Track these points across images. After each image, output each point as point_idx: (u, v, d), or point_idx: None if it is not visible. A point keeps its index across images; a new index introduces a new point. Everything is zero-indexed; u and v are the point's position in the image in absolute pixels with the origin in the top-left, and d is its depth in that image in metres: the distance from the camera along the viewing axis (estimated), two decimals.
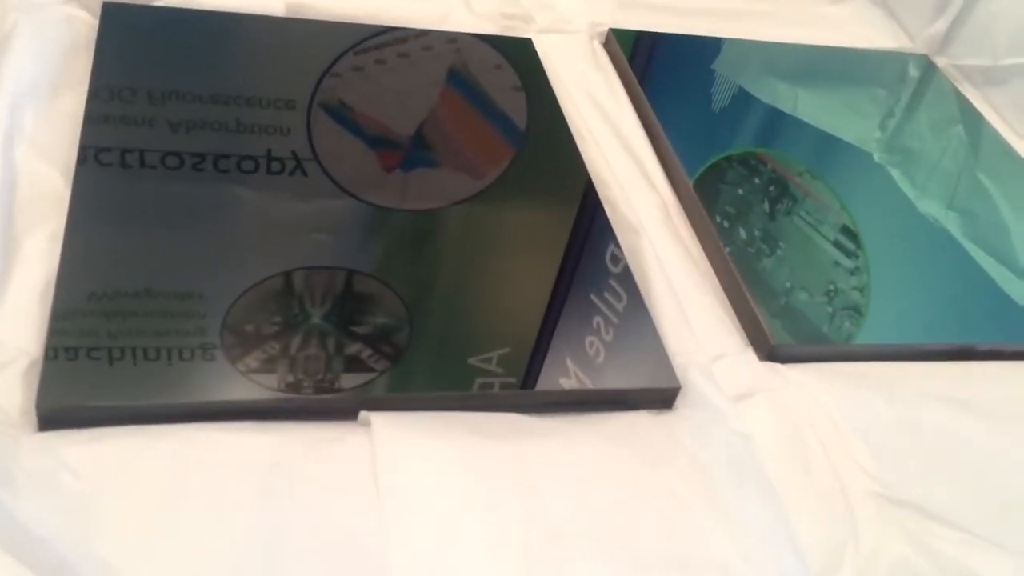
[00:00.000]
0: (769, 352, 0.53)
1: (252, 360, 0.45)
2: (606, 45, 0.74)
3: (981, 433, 0.52)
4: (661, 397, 0.49)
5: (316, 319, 0.48)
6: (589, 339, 0.51)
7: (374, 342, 0.47)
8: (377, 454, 0.43)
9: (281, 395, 0.44)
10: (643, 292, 0.54)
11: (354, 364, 0.46)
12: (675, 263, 0.57)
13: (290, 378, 0.45)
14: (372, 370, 0.46)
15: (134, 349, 0.43)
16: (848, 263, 0.60)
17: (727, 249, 0.58)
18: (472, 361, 0.48)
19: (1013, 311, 0.60)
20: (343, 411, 0.45)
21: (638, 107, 0.68)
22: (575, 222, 0.58)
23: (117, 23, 0.59)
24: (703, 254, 0.59)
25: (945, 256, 0.63)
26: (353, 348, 0.47)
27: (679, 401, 0.50)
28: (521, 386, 0.47)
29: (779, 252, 0.59)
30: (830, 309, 0.57)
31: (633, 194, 0.61)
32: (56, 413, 0.41)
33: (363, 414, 0.44)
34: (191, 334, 0.45)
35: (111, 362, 0.42)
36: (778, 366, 0.53)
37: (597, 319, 0.52)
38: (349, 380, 0.45)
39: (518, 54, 0.68)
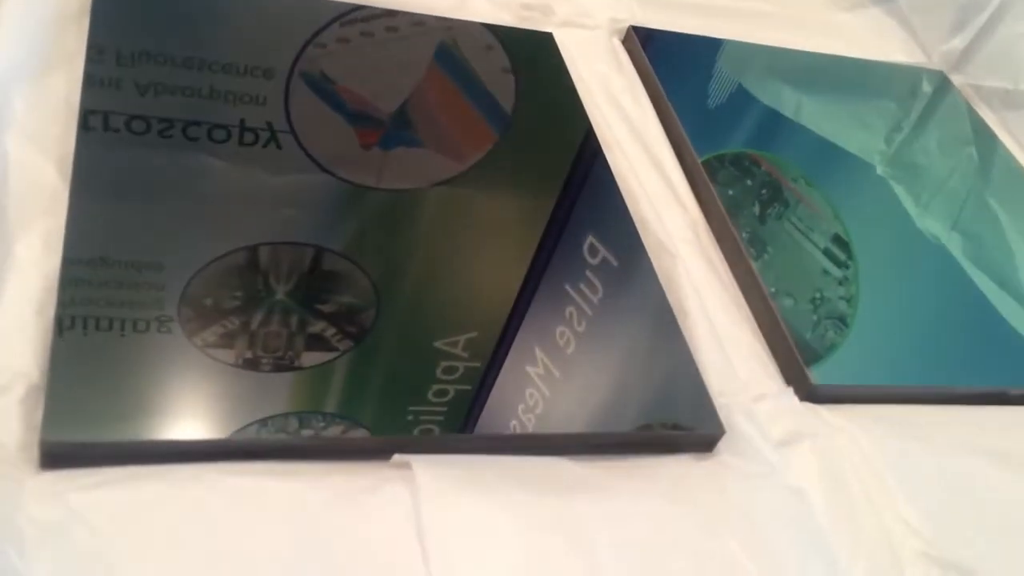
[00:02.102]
0: (809, 392, 0.53)
1: (209, 335, 0.44)
2: (626, 42, 0.73)
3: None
4: (704, 441, 0.49)
5: (280, 295, 0.47)
6: (560, 329, 0.50)
7: (338, 321, 0.47)
8: (422, 514, 0.41)
9: (308, 435, 0.42)
10: (680, 323, 0.53)
11: (317, 342, 0.46)
12: (710, 293, 0.57)
13: (248, 354, 0.44)
14: (335, 349, 0.46)
15: (85, 318, 0.43)
16: (837, 272, 0.60)
17: (767, 287, 0.57)
18: (438, 344, 0.47)
19: (1011, 337, 0.60)
20: (371, 451, 0.43)
21: (662, 115, 0.67)
22: (554, 210, 0.57)
23: None
24: (733, 279, 0.59)
25: (941, 276, 0.62)
26: (317, 326, 0.46)
27: (721, 444, 0.49)
28: (485, 371, 0.47)
29: (767, 256, 0.59)
30: (815, 317, 0.56)
31: (664, 212, 0.60)
32: (62, 449, 0.39)
33: (399, 457, 0.43)
34: (147, 305, 0.44)
35: (61, 332, 0.42)
36: (818, 408, 0.53)
37: (570, 309, 0.51)
38: (310, 358, 0.45)
39: (536, 50, 0.67)
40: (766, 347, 0.56)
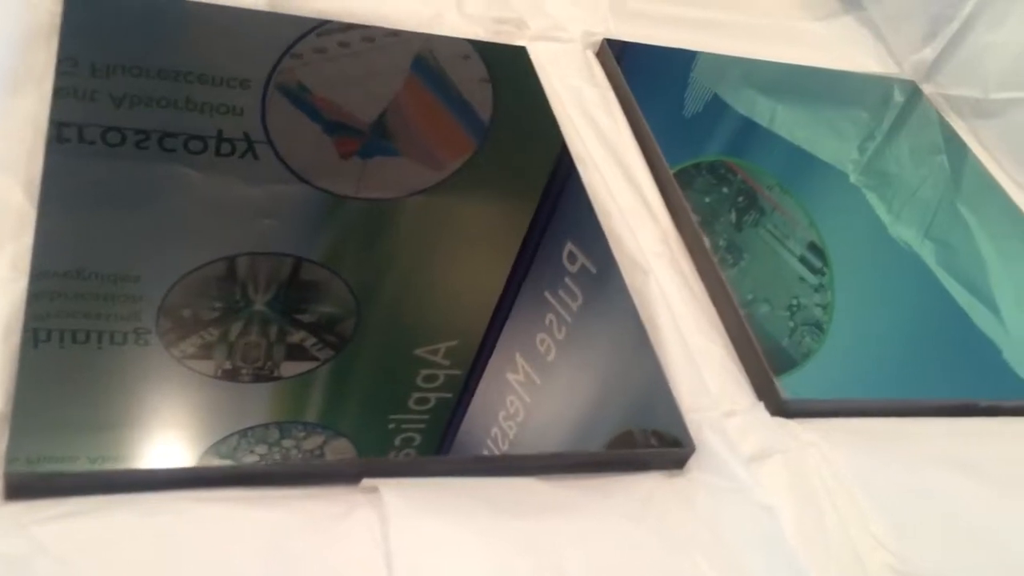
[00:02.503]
0: (779, 407, 0.53)
1: (188, 346, 0.44)
2: (599, 55, 0.73)
3: (992, 501, 0.52)
4: (675, 458, 0.49)
5: (259, 306, 0.47)
6: (540, 336, 0.50)
7: (318, 331, 0.47)
8: (390, 539, 0.41)
9: (275, 461, 0.42)
10: (652, 340, 0.53)
11: (296, 352, 0.46)
12: (683, 308, 0.57)
13: (227, 365, 0.44)
14: (315, 359, 0.46)
15: (62, 331, 0.42)
16: (813, 279, 0.60)
17: (736, 298, 0.57)
18: (419, 352, 0.47)
19: (982, 343, 0.60)
20: (341, 475, 0.43)
21: (635, 128, 0.67)
22: (532, 219, 0.57)
23: (82, 8, 0.58)
24: (705, 292, 0.59)
25: (914, 282, 0.63)
26: (296, 336, 0.46)
27: (692, 461, 0.49)
28: (466, 379, 0.47)
29: (743, 263, 0.59)
30: (791, 323, 0.57)
31: (637, 227, 0.60)
32: (26, 480, 0.38)
33: (367, 481, 0.42)
34: (125, 318, 0.44)
35: (36, 344, 0.41)
36: (788, 422, 0.53)
37: (550, 317, 0.52)
38: (290, 368, 0.45)
39: (511, 64, 0.67)
40: (738, 361, 0.56)
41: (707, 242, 0.59)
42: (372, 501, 0.42)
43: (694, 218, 0.61)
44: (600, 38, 0.74)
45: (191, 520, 0.39)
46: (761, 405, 0.53)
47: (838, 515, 0.49)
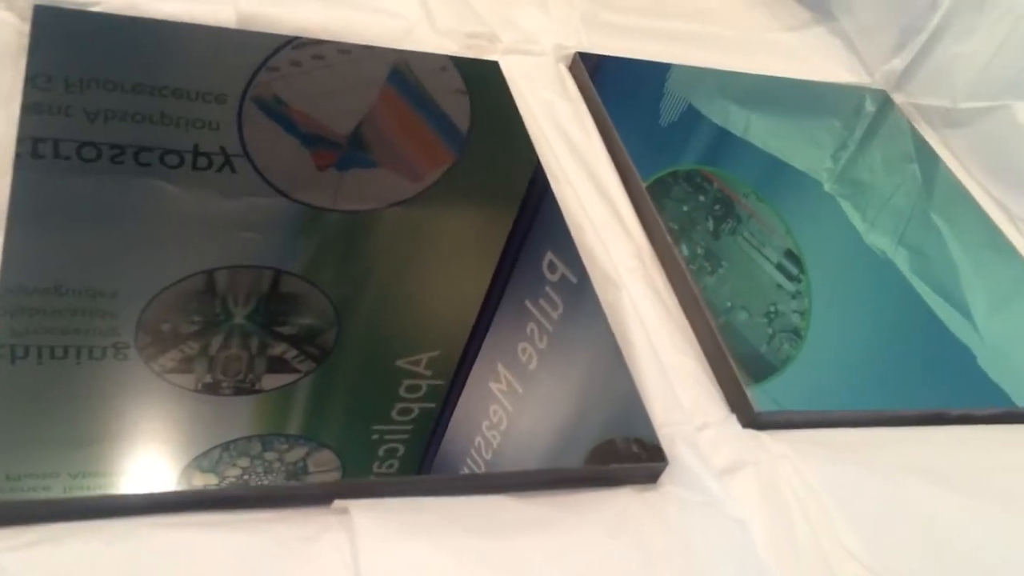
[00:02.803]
0: (752, 420, 0.53)
1: (168, 360, 0.44)
2: (572, 68, 0.74)
3: (964, 510, 0.52)
4: (647, 473, 0.49)
5: (239, 319, 0.47)
6: (522, 345, 0.51)
7: (299, 343, 0.47)
8: (360, 562, 0.40)
9: (243, 484, 0.41)
10: (625, 355, 0.53)
11: (278, 364, 0.45)
12: (656, 322, 0.57)
13: (208, 378, 0.44)
14: (296, 371, 0.46)
15: (39, 347, 0.42)
16: (790, 287, 0.61)
17: (709, 311, 0.57)
18: (400, 363, 0.47)
19: (957, 349, 0.61)
20: (313, 496, 0.42)
21: (608, 141, 0.68)
22: (512, 228, 0.57)
23: (51, 27, 0.57)
24: (679, 306, 0.59)
25: (889, 289, 0.64)
26: (277, 349, 0.46)
27: (665, 476, 0.49)
28: (450, 389, 0.47)
29: (721, 271, 0.60)
30: (770, 330, 0.57)
31: (610, 242, 0.60)
32: None
33: (339, 503, 0.42)
34: (103, 333, 0.44)
35: (13, 360, 0.41)
36: (760, 434, 0.53)
37: (531, 326, 0.52)
38: (271, 381, 0.45)
39: (483, 79, 0.67)
40: (711, 374, 0.56)
41: (679, 256, 0.60)
42: (343, 523, 0.42)
43: (666, 232, 0.61)
44: (572, 51, 0.74)
45: (158, 546, 0.39)
46: (734, 418, 0.54)
47: (809, 527, 0.49)
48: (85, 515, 0.39)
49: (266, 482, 0.41)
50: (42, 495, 0.38)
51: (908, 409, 0.57)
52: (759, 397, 0.53)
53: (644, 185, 0.64)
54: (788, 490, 0.50)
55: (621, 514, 0.47)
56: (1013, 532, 0.52)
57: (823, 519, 0.50)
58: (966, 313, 0.63)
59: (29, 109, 0.52)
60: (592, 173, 0.65)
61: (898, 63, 0.84)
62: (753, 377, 0.54)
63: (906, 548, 0.50)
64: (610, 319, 0.54)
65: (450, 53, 0.69)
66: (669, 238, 0.61)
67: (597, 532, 0.45)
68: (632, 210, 0.63)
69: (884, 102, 0.83)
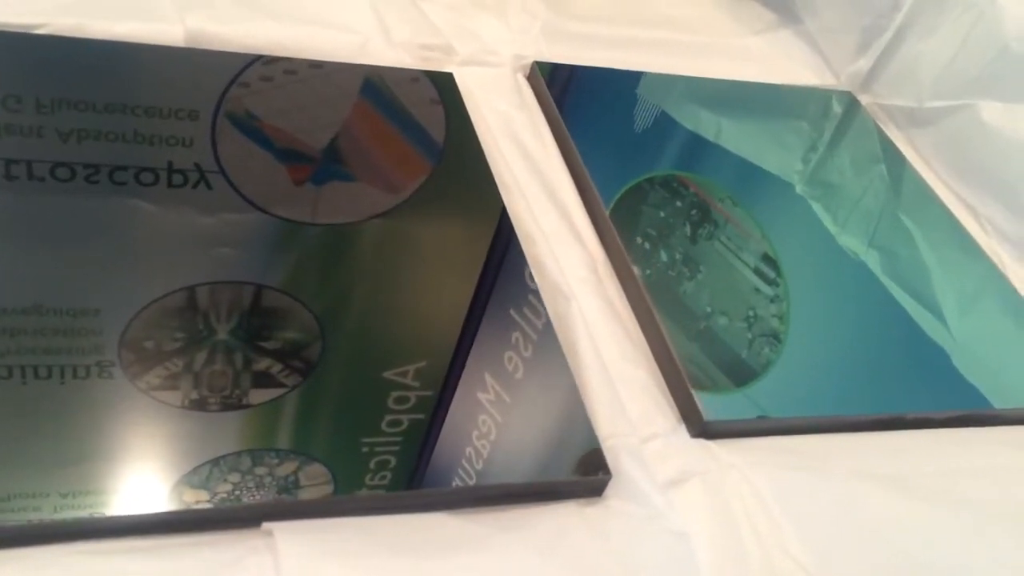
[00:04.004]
0: (702, 429, 0.53)
1: (153, 377, 0.44)
2: (530, 78, 0.74)
3: (920, 516, 0.52)
4: (590, 486, 0.48)
5: (222, 335, 0.47)
6: (508, 354, 0.51)
7: (284, 357, 0.47)
8: None
9: (168, 509, 0.41)
10: (572, 366, 0.53)
11: (264, 379, 0.46)
12: (606, 333, 0.56)
13: (194, 395, 0.44)
14: (282, 385, 0.46)
15: (23, 367, 0.42)
16: (768, 291, 0.62)
17: (660, 316, 0.57)
18: (387, 375, 0.48)
19: (929, 348, 0.62)
20: (240, 519, 0.42)
21: (564, 151, 0.68)
22: (494, 237, 0.58)
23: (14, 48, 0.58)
24: (633, 316, 0.59)
25: (864, 291, 0.65)
26: (262, 363, 0.47)
27: (610, 489, 0.48)
28: (438, 399, 0.48)
29: (699, 276, 0.61)
30: (749, 335, 0.58)
31: (561, 252, 0.60)
32: None
33: (267, 525, 0.42)
34: (87, 352, 0.44)
35: None
36: (710, 444, 0.53)
37: (516, 334, 0.53)
38: (258, 396, 0.45)
39: (440, 91, 0.68)
40: (663, 384, 0.55)
41: (633, 265, 0.60)
42: (270, 545, 0.41)
43: (621, 241, 0.61)
44: (531, 61, 0.74)
45: (80, 574, 0.38)
46: (683, 428, 0.53)
47: (757, 539, 0.48)
48: (3, 543, 0.38)
49: (197, 506, 0.41)
50: None
51: (864, 415, 0.57)
52: (741, 402, 0.54)
53: (610, 195, 0.64)
54: (736, 501, 0.50)
55: (557, 530, 0.46)
56: (969, 537, 0.52)
57: (771, 530, 0.49)
58: (938, 314, 0.64)
59: (1, 131, 0.52)
60: (547, 183, 0.65)
61: (863, 64, 0.86)
62: (735, 382, 0.55)
63: (857, 558, 0.49)
64: (558, 331, 0.54)
65: (404, 66, 0.69)
66: (624, 248, 0.61)
67: (528, 550, 0.45)
68: (588, 220, 0.64)
69: (850, 104, 0.85)
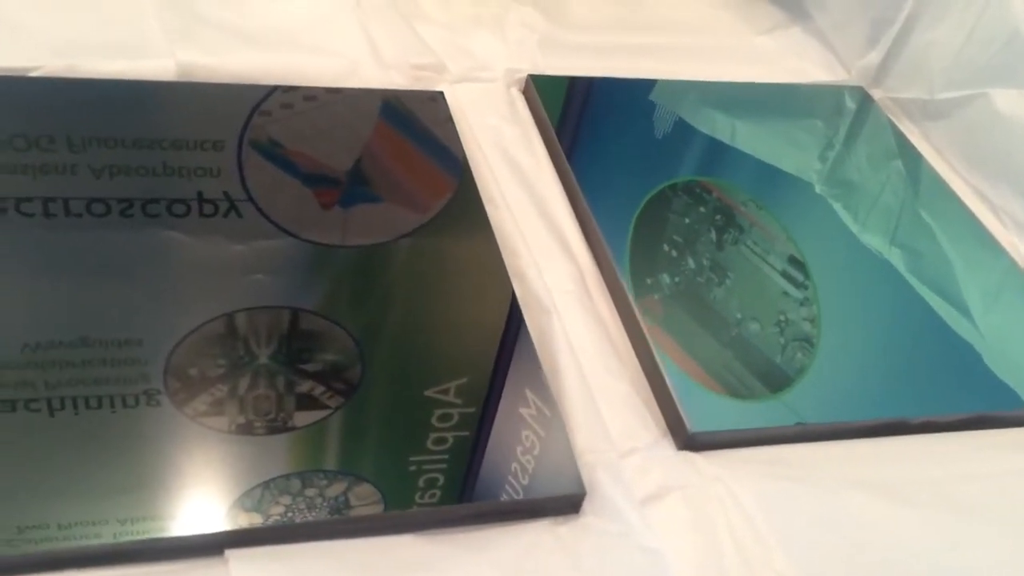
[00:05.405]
0: (687, 441, 0.52)
1: (199, 404, 0.46)
2: (525, 92, 0.74)
3: (911, 527, 0.51)
4: (566, 503, 0.48)
5: (263, 359, 0.49)
6: (546, 367, 0.53)
7: (326, 379, 0.49)
8: None
9: (129, 538, 0.41)
10: (550, 382, 0.52)
11: (307, 402, 0.47)
12: (589, 346, 0.56)
13: (240, 419, 0.46)
14: (326, 407, 0.47)
15: (75, 398, 0.44)
16: (797, 293, 0.62)
17: (648, 322, 0.57)
18: (429, 393, 0.49)
19: (960, 346, 0.62)
20: (202, 547, 0.42)
21: (557, 164, 0.68)
22: None
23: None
24: (623, 331, 0.58)
25: (891, 291, 0.65)
26: (304, 386, 0.48)
27: (586, 505, 0.48)
28: (481, 415, 0.49)
29: (728, 282, 0.61)
30: (782, 340, 0.58)
31: (547, 266, 0.60)
32: None
33: (229, 552, 0.42)
34: (133, 381, 0.46)
35: (51, 413, 0.43)
36: (695, 456, 0.52)
37: None
38: (303, 418, 0.46)
39: (429, 111, 0.68)
40: (648, 396, 0.55)
41: (620, 275, 0.60)
42: (226, 575, 0.41)
43: (611, 253, 0.61)
44: (526, 74, 0.74)
45: None
46: (667, 440, 0.53)
47: (740, 554, 0.47)
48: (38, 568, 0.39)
49: (156, 535, 0.41)
50: None
51: (864, 420, 0.56)
52: (777, 409, 0.54)
53: (633, 204, 0.65)
54: (719, 515, 0.49)
55: (526, 550, 0.45)
56: (967, 544, 0.51)
57: (756, 544, 0.48)
58: (964, 311, 0.64)
59: (38, 171, 0.54)
60: (537, 196, 0.65)
61: (874, 57, 0.85)
62: (771, 389, 0.55)
63: (844, 571, 0.48)
64: (537, 345, 0.54)
65: (395, 87, 0.69)
66: (613, 260, 0.61)
67: (492, 571, 0.44)
68: (579, 233, 0.63)
69: (863, 99, 0.85)
